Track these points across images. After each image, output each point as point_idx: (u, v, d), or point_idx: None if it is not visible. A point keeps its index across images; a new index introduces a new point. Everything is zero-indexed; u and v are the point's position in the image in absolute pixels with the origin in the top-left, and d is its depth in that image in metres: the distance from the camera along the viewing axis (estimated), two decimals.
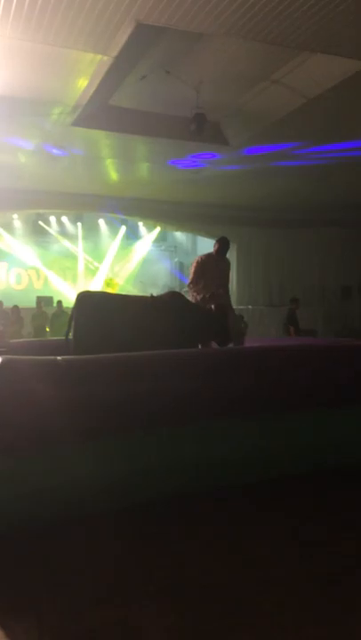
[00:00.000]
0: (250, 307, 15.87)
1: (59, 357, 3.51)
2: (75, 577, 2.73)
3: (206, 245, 17.76)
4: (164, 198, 15.68)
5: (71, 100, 9.29)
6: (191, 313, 5.74)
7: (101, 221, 18.17)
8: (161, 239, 19.31)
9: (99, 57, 7.68)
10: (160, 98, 9.67)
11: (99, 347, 4.50)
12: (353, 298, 17.51)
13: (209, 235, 16.33)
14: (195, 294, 7.02)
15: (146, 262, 18.98)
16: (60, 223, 17.87)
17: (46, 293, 16.88)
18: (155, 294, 6.08)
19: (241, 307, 14.20)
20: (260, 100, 9.71)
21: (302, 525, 3.34)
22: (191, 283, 7.13)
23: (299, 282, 16.94)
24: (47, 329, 14.10)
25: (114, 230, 18.37)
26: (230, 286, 7.63)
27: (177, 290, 12.74)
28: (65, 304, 14.16)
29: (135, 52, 7.85)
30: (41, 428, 3.19)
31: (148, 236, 18.79)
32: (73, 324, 5.30)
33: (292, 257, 17.23)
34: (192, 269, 7.17)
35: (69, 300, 13.44)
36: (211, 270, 7.02)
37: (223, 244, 7.16)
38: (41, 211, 16.78)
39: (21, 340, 9.25)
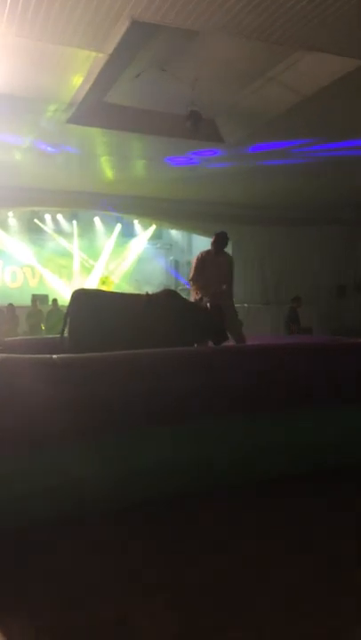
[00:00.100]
0: (245, 304, 15.86)
1: (54, 355, 3.51)
2: (73, 576, 2.73)
3: (201, 243, 17.73)
4: (159, 196, 15.67)
5: (66, 98, 9.27)
6: (186, 311, 5.74)
7: (97, 219, 18.15)
8: (156, 237, 19.30)
9: (94, 54, 7.66)
10: (155, 95, 9.66)
11: (94, 345, 4.50)
12: (348, 296, 17.52)
13: (204, 232, 16.30)
14: (195, 291, 6.96)
15: (141, 260, 18.97)
16: (55, 221, 17.85)
17: (41, 291, 16.86)
18: (150, 292, 6.07)
19: (237, 304, 14.15)
20: (255, 98, 9.70)
21: (303, 525, 3.35)
22: (191, 279, 7.08)
23: (294, 280, 16.93)
24: (42, 327, 14.08)
25: (109, 228, 18.34)
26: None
27: (172, 288, 12.78)
28: (60, 302, 14.15)
29: (130, 50, 7.84)
30: (36, 427, 3.19)
31: (144, 234, 18.77)
32: (68, 321, 5.30)
33: (289, 255, 17.21)
34: (192, 266, 7.12)
35: (64, 298, 13.45)
36: (210, 266, 6.95)
37: (219, 238, 7.09)
38: (36, 208, 16.75)
39: (16, 338, 9.23)
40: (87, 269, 18.35)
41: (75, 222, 17.97)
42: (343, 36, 6.99)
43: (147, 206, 16.33)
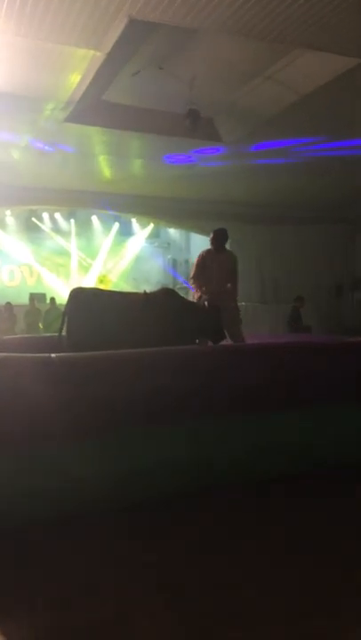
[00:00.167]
0: (243, 303, 15.83)
1: (52, 354, 3.50)
2: (73, 576, 2.73)
3: (199, 242, 17.70)
4: (157, 195, 15.63)
5: (64, 96, 9.24)
6: (184, 310, 5.74)
7: (94, 218, 18.11)
8: (154, 236, 19.27)
9: (91, 52, 7.63)
10: (153, 94, 9.64)
11: (92, 343, 4.50)
12: (345, 295, 17.52)
13: (202, 231, 16.29)
14: (195, 290, 6.84)
15: (139, 259, 18.94)
16: (53, 220, 17.81)
17: (39, 290, 16.84)
18: (148, 291, 6.07)
19: None
20: (253, 97, 9.69)
21: (303, 525, 3.34)
22: (192, 278, 6.97)
23: (293, 279, 16.93)
24: (40, 326, 14.07)
25: (107, 227, 18.32)
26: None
27: (170, 286, 12.77)
28: (58, 301, 14.13)
29: (128, 48, 7.81)
30: (34, 426, 3.18)
31: (142, 233, 18.74)
32: (66, 320, 5.29)
33: (286, 254, 17.19)
34: (194, 264, 7.00)
35: (62, 296, 13.44)
36: (211, 265, 6.81)
37: (217, 235, 6.91)
38: (34, 207, 16.71)
39: (14, 336, 9.22)
40: (85, 268, 18.33)
41: (72, 221, 17.93)
42: (341, 35, 6.98)
43: (145, 205, 16.29)
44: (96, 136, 11.14)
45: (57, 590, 2.59)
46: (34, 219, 17.42)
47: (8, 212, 16.81)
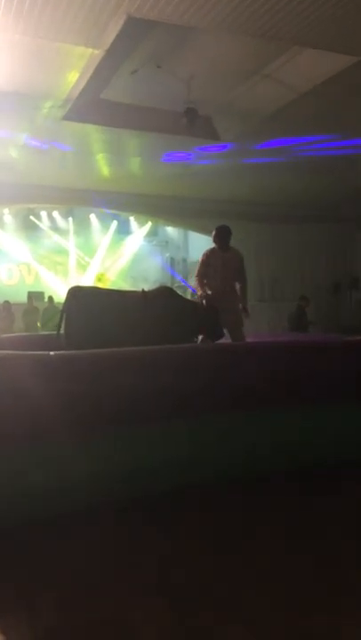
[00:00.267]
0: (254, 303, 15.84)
1: (51, 352, 3.50)
2: (73, 576, 2.72)
3: (197, 240, 17.72)
4: (155, 193, 15.61)
5: (62, 94, 9.23)
6: (182, 309, 5.73)
7: (93, 216, 18.08)
8: (152, 234, 19.23)
9: (89, 50, 7.62)
10: (151, 92, 9.62)
11: (90, 341, 4.49)
12: (343, 294, 17.52)
13: (200, 229, 16.29)
14: (198, 289, 6.72)
15: (137, 257, 18.91)
16: (51, 218, 17.77)
17: (37, 289, 16.82)
18: (146, 289, 6.06)
19: None
20: (251, 95, 9.68)
21: (302, 525, 3.34)
22: (196, 276, 6.70)
23: (291, 278, 16.94)
24: (39, 324, 14.06)
25: (105, 225, 18.29)
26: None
27: (168, 285, 12.77)
28: (56, 299, 14.11)
29: (126, 46, 7.80)
30: (32, 424, 3.17)
31: (140, 231, 18.72)
32: (64, 318, 5.29)
33: (285, 253, 17.20)
34: (199, 262, 6.75)
35: (60, 295, 13.42)
36: (214, 263, 6.58)
37: (219, 233, 6.65)
38: (32, 205, 16.67)
39: (12, 335, 9.20)
40: (83, 266, 18.30)
41: (70, 219, 17.89)
42: (340, 33, 6.97)
43: (143, 203, 16.27)
44: (94, 134, 11.12)
45: (57, 590, 2.59)
46: (32, 217, 17.38)
47: (6, 211, 16.78)
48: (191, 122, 9.48)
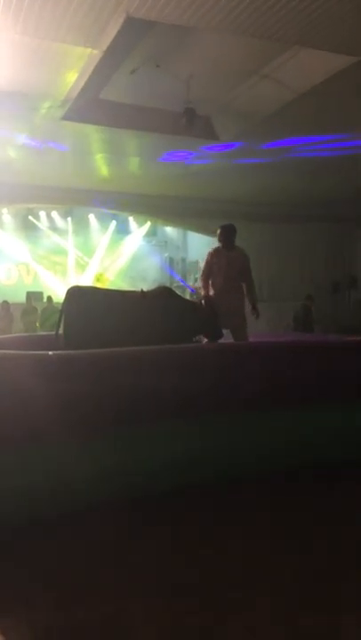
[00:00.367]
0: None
1: (50, 352, 3.49)
2: (73, 576, 2.72)
3: (196, 240, 17.73)
4: (154, 193, 15.60)
5: (61, 94, 9.22)
6: (181, 308, 5.73)
7: (92, 216, 18.07)
8: (151, 234, 19.22)
9: (88, 50, 7.61)
10: (150, 92, 9.61)
11: (89, 342, 4.48)
12: (342, 294, 17.52)
13: (199, 229, 16.28)
14: (202, 290, 6.59)
15: (136, 257, 18.89)
16: (50, 218, 17.75)
17: (36, 289, 16.80)
18: (145, 289, 6.06)
19: None
20: (250, 95, 9.67)
21: (303, 525, 3.34)
22: (201, 277, 6.67)
23: (290, 277, 16.94)
24: (37, 324, 14.05)
25: (104, 225, 18.27)
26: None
27: (167, 285, 12.76)
28: (55, 299, 14.10)
29: (125, 46, 7.78)
30: (32, 424, 3.17)
31: (139, 231, 18.71)
32: (63, 318, 5.28)
33: (284, 253, 17.20)
34: (204, 262, 6.68)
35: (59, 295, 13.41)
36: (218, 263, 6.49)
37: (224, 232, 6.56)
38: (31, 205, 16.66)
39: (11, 335, 9.20)
40: (82, 266, 18.28)
41: (69, 219, 17.87)
42: (338, 33, 6.97)
43: (142, 203, 16.25)
44: (93, 134, 11.11)
45: (57, 590, 2.59)
46: (31, 217, 17.36)
47: (5, 211, 16.77)
48: (190, 122, 9.47)
